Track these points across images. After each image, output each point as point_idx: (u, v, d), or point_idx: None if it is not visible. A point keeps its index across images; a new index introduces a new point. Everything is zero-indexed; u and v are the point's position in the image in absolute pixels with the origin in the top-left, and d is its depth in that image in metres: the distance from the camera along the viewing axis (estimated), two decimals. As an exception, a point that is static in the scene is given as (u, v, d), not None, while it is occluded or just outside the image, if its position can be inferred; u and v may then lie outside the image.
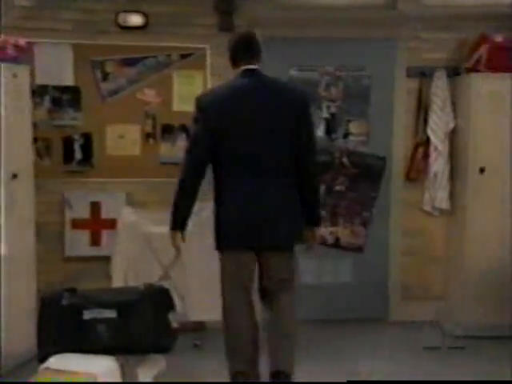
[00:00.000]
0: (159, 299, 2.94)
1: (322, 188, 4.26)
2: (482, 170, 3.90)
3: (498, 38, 3.83)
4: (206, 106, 2.87)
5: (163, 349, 2.87)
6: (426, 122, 4.11)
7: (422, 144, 4.13)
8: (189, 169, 2.89)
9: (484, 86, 3.86)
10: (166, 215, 3.91)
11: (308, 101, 2.98)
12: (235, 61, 2.96)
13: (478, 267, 3.92)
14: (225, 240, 2.94)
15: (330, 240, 4.29)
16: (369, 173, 4.25)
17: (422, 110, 4.13)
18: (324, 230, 4.25)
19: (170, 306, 2.98)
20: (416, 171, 4.18)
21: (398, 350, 3.78)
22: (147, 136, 4.05)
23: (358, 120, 4.23)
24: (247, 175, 2.86)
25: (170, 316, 2.96)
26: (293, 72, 4.18)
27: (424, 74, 4.10)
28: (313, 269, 4.31)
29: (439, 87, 4.05)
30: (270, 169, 2.86)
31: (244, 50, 2.93)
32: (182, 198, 2.94)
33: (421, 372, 3.46)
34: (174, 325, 2.98)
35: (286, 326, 2.99)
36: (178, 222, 3.00)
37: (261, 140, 2.85)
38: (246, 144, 2.85)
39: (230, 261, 2.94)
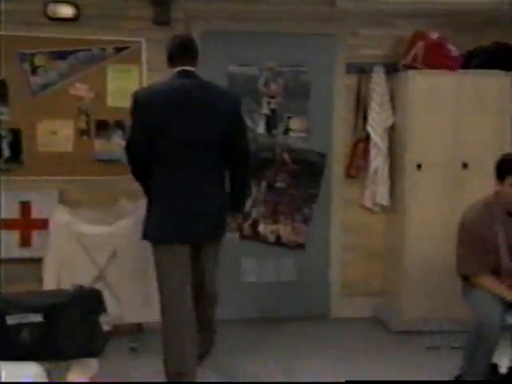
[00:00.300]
0: (89, 301, 2.83)
1: (263, 185, 4.23)
2: (419, 166, 3.95)
3: (434, 35, 3.88)
4: (142, 100, 2.95)
5: (93, 353, 2.77)
6: (365, 118, 4.12)
7: (362, 140, 4.15)
8: (132, 161, 3.04)
9: (421, 83, 3.90)
10: (101, 214, 3.83)
11: (240, 103, 3.14)
12: (172, 61, 3.07)
13: (417, 262, 3.97)
14: (159, 233, 2.99)
15: (272, 238, 4.26)
16: (309, 169, 4.24)
17: (361, 106, 4.14)
18: (265, 228, 4.24)
19: (100, 308, 2.87)
20: (356, 168, 4.19)
21: (336, 347, 3.78)
22: (81, 132, 3.91)
23: (298, 116, 4.22)
24: (180, 169, 2.96)
25: (101, 319, 2.86)
26: (232, 67, 4.13)
27: (363, 71, 4.12)
28: (254, 267, 4.27)
29: (377, 84, 4.08)
30: (202, 163, 2.99)
31: (182, 52, 3.05)
32: (140, 181, 3.11)
33: (357, 368, 3.48)
34: (106, 328, 2.89)
35: (211, 313, 3.27)
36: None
37: (195, 137, 2.96)
38: (180, 140, 2.95)
39: (164, 254, 2.99)
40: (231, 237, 4.20)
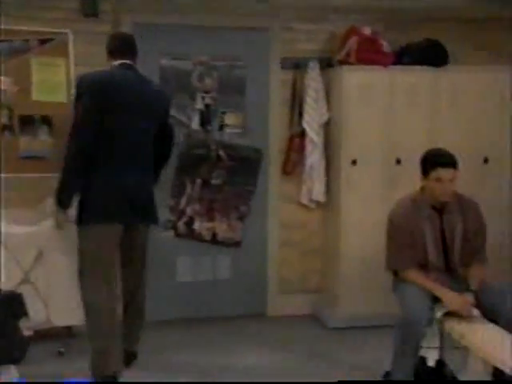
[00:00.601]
0: (8, 306, 2.70)
1: (198, 182, 4.16)
2: (354, 162, 3.97)
3: (366, 31, 3.91)
4: (90, 83, 3.09)
5: (12, 359, 2.64)
6: (301, 114, 4.10)
7: (298, 136, 4.13)
8: (80, 148, 3.02)
9: (354, 79, 3.92)
10: (26, 213, 3.67)
11: (170, 99, 3.48)
12: (113, 55, 3.23)
13: (353, 258, 4.00)
14: (98, 214, 3.10)
15: (207, 236, 4.19)
16: (245, 166, 4.20)
17: (296, 101, 4.12)
18: (201, 226, 4.15)
19: (21, 312, 2.75)
20: (292, 164, 4.18)
21: (273, 345, 3.76)
22: (3, 128, 3.73)
23: (234, 112, 4.16)
24: (121, 155, 3.12)
25: (22, 323, 2.73)
26: (164, 61, 4.03)
27: (298, 66, 4.10)
28: (190, 266, 4.19)
29: (313, 79, 4.07)
30: (139, 151, 3.18)
31: (124, 47, 3.23)
32: (72, 175, 3.06)
33: (293, 365, 3.46)
34: (27, 333, 2.77)
35: (141, 304, 3.35)
36: (65, 203, 3.11)
37: (135, 126, 3.14)
38: (121, 127, 3.11)
39: (98, 235, 3.08)
40: (166, 235, 4.12)
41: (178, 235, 4.15)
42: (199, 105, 4.10)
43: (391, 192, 3.91)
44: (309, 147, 4.11)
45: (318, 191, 4.13)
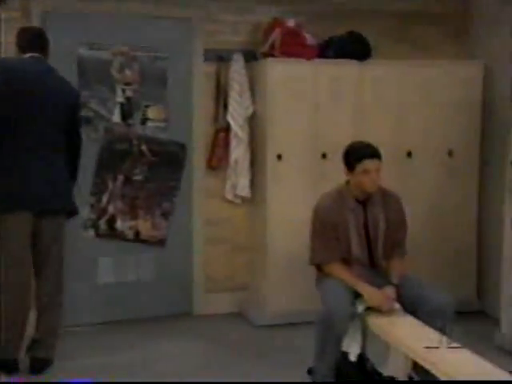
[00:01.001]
0: None
1: (120, 179, 4.00)
2: (279, 157, 3.93)
3: (290, 23, 3.87)
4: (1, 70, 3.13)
5: None
6: (225, 107, 4.03)
7: (223, 130, 4.06)
8: None
9: (279, 72, 3.87)
10: None
11: (79, 95, 3.48)
12: (23, 50, 3.24)
13: (280, 254, 3.96)
14: (6, 204, 3.11)
15: (130, 235, 4.05)
16: (169, 161, 4.08)
17: (221, 95, 4.05)
18: (123, 224, 4.00)
19: None
20: (217, 159, 4.10)
21: (198, 344, 3.67)
22: None
23: (157, 105, 4.03)
24: (30, 145, 3.13)
25: None
26: (82, 50, 3.85)
27: (222, 58, 4.02)
28: (112, 266, 4.03)
29: (237, 72, 4.00)
30: (45, 140, 3.17)
31: (33, 42, 3.24)
32: None
33: (218, 364, 3.39)
34: None
35: (57, 307, 3.28)
36: None
37: (40, 115, 3.14)
38: (25, 116, 3.11)
39: (10, 223, 3.09)
40: (86, 235, 3.95)
41: (98, 235, 3.98)
42: (120, 98, 3.95)
43: (317, 187, 3.87)
44: (233, 141, 4.04)
45: (243, 186, 4.07)
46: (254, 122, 4.09)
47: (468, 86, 4.14)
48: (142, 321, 4.02)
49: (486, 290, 4.22)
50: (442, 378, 2.35)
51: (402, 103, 4.09)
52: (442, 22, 4.39)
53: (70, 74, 3.56)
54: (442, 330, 2.79)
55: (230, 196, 4.13)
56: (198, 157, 4.12)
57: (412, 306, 2.92)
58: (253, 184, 4.11)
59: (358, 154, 3.00)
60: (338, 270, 3.00)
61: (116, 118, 3.95)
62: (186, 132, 4.09)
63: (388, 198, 3.11)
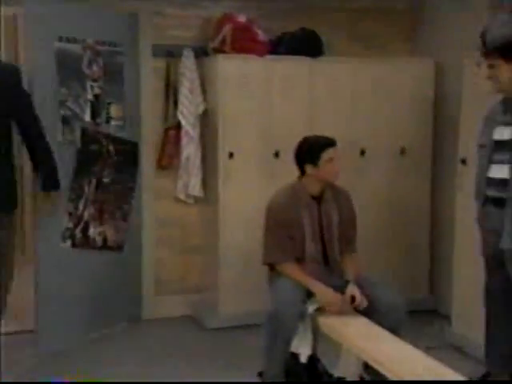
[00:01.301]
0: None
1: (93, 182, 3.73)
2: (231, 155, 3.87)
3: (241, 18, 3.82)
4: None
5: None
6: (176, 105, 3.95)
7: (173, 128, 3.98)
8: None
9: (230, 68, 3.82)
10: None
11: (20, 76, 3.08)
12: None
13: (233, 254, 3.90)
14: None
15: (100, 242, 3.78)
16: (128, 161, 3.89)
17: (171, 92, 3.96)
18: (94, 231, 3.75)
19: None
20: (168, 157, 4.01)
21: (147, 350, 3.57)
22: None
23: (116, 102, 3.81)
24: None
25: None
26: (57, 44, 3.50)
27: (171, 54, 3.93)
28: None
29: (187, 68, 3.92)
30: None
31: None
32: None
33: (166, 370, 3.30)
34: None
35: None
36: None
37: None
38: None
39: None
40: (63, 246, 3.59)
41: (74, 245, 3.67)
42: (89, 95, 3.67)
43: (270, 185, 3.75)
44: (184, 139, 3.96)
45: (195, 185, 3.99)
46: (205, 120, 4.01)
47: (420, 83, 4.16)
48: (87, 326, 3.88)
49: (439, 289, 4.24)
50: (391, 378, 2.33)
51: (355, 101, 4.08)
52: (394, 18, 4.40)
53: (49, 70, 3.38)
54: (394, 330, 2.78)
55: (181, 195, 4.05)
56: (147, 156, 4.02)
57: (366, 307, 2.87)
58: (205, 183, 4.04)
59: (320, 144, 3.00)
60: (291, 269, 2.95)
61: (87, 116, 3.68)
62: (136, 130, 3.97)
63: (339, 195, 3.11)
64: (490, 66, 2.86)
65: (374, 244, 4.07)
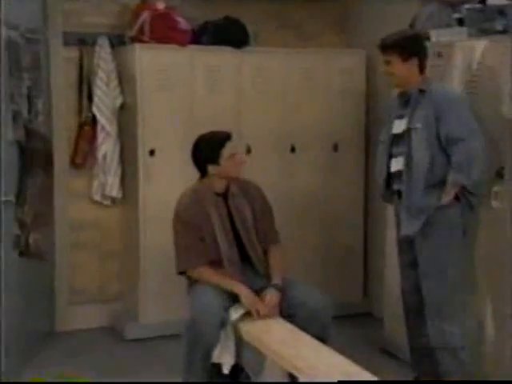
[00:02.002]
0: None
1: (33, 183, 3.48)
2: (152, 152, 3.80)
3: (160, 5, 3.76)
4: None
5: None
6: (90, 98, 3.86)
7: (88, 123, 3.89)
8: None
9: (150, 58, 3.76)
10: None
11: None
12: None
13: (155, 260, 3.82)
14: None
15: (34, 248, 3.50)
16: (47, 159, 3.70)
17: (85, 84, 3.88)
18: (34, 238, 3.53)
19: None
20: (82, 155, 3.92)
21: (61, 365, 3.45)
22: None
23: (41, 96, 3.64)
24: None
25: None
26: (7, 33, 3.19)
27: (84, 42, 3.85)
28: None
29: (102, 58, 3.85)
30: None
31: None
32: None
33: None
34: None
35: None
36: None
37: None
38: None
39: None
40: (14, 256, 3.41)
41: (21, 253, 3.46)
42: (24, 87, 3.44)
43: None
44: (100, 136, 3.89)
45: (112, 186, 3.92)
46: (123, 114, 3.94)
47: (352, 76, 4.21)
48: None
49: (372, 292, 4.30)
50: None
51: (285, 94, 4.08)
52: (326, 8, 4.44)
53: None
54: (321, 335, 2.80)
55: (97, 197, 3.97)
56: (60, 154, 3.90)
57: (289, 311, 2.90)
58: (123, 183, 3.97)
59: (217, 141, 3.01)
60: (206, 273, 2.93)
61: (25, 111, 3.45)
62: (48, 125, 3.83)
63: (247, 188, 3.12)
64: (387, 63, 3.03)
65: (305, 246, 4.09)
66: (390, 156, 3.05)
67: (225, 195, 3.04)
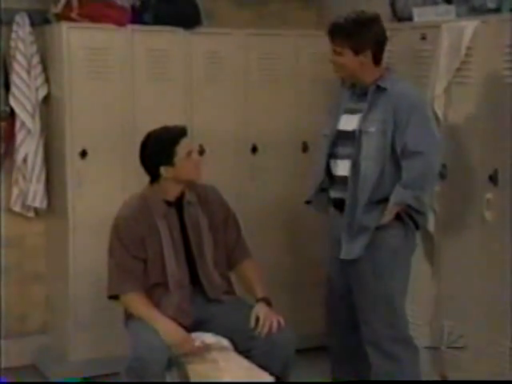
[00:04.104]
0: None
1: None
2: (83, 154, 3.80)
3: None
4: None
5: None
6: (7, 88, 3.85)
7: (5, 119, 3.88)
8: None
9: (79, 40, 3.77)
10: None
11: None
12: None
13: (87, 284, 3.82)
14: None
15: None
16: None
17: (0, 71, 3.84)
18: None
19: None
20: (-3, 157, 3.93)
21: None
22: None
23: None
24: None
25: None
26: None
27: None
28: None
29: (21, 39, 3.84)
30: None
31: None
32: None
33: None
34: None
35: None
36: None
37: None
38: None
39: None
40: None
41: None
42: None
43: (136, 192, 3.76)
44: (20, 134, 3.89)
45: (35, 194, 3.92)
46: (48, 108, 3.96)
47: (324, 61, 4.13)
48: None
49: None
50: None
51: (245, 85, 4.11)
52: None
53: None
54: (281, 372, 2.83)
55: (17, 208, 3.97)
56: (-30, 155, 3.88)
57: (245, 344, 2.91)
58: (49, 191, 3.97)
59: (171, 137, 3.01)
60: (134, 303, 2.94)
61: None
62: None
63: (205, 195, 3.13)
64: (338, 54, 3.08)
65: (268, 262, 4.05)
66: (331, 155, 3.09)
67: (178, 204, 3.04)
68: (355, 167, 2.98)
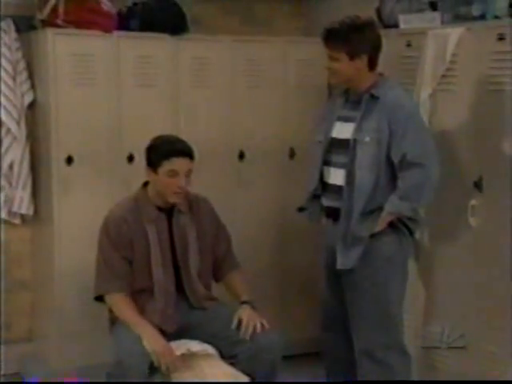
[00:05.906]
0: None
1: None
2: (69, 160, 3.81)
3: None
4: None
5: None
6: (-6, 94, 3.86)
7: (-9, 125, 3.89)
8: None
9: (65, 47, 3.77)
10: None
11: None
12: None
13: (73, 291, 3.81)
14: None
15: None
16: None
17: (-14, 77, 3.88)
18: None
19: None
20: (-17, 164, 3.92)
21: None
22: None
23: None
24: None
25: None
26: None
27: (-17, 26, 3.86)
28: None
29: (7, 45, 3.85)
30: None
31: None
32: None
33: None
34: None
35: None
36: None
37: None
38: None
39: None
40: None
41: None
42: None
43: (118, 197, 3.71)
44: (6, 141, 3.90)
45: (21, 200, 3.93)
46: (34, 115, 3.97)
47: (310, 67, 4.25)
48: None
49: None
50: None
51: (231, 91, 4.13)
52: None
53: None
54: (267, 379, 2.86)
55: (3, 214, 3.95)
56: (-46, 162, 3.88)
57: (230, 350, 2.93)
58: (35, 197, 3.98)
59: (165, 150, 3.03)
60: (119, 305, 2.96)
61: None
62: None
63: (197, 206, 3.16)
64: (334, 59, 3.07)
65: (258, 269, 4.10)
66: (324, 162, 3.10)
67: (169, 211, 3.06)
68: (350, 177, 2.99)
